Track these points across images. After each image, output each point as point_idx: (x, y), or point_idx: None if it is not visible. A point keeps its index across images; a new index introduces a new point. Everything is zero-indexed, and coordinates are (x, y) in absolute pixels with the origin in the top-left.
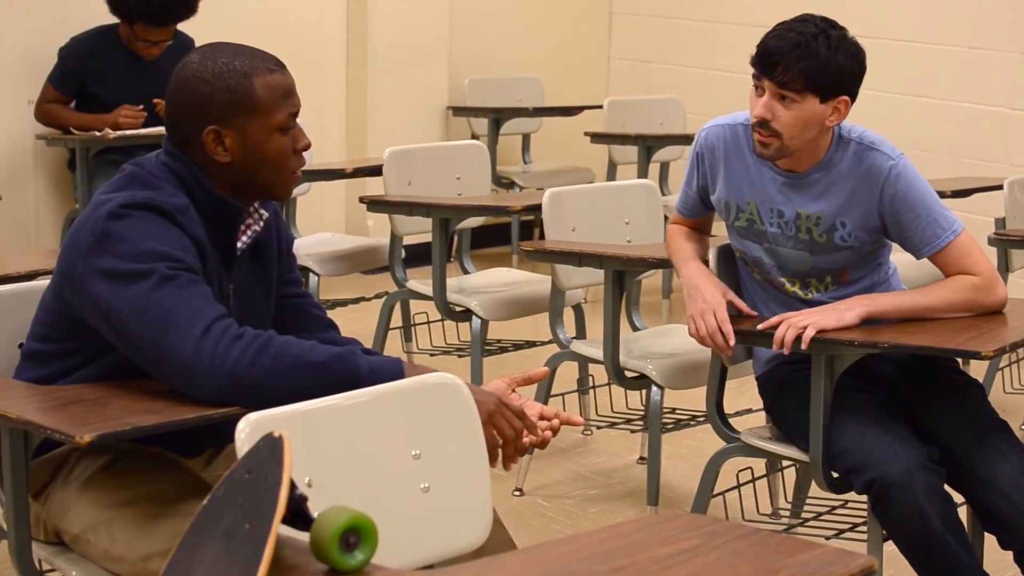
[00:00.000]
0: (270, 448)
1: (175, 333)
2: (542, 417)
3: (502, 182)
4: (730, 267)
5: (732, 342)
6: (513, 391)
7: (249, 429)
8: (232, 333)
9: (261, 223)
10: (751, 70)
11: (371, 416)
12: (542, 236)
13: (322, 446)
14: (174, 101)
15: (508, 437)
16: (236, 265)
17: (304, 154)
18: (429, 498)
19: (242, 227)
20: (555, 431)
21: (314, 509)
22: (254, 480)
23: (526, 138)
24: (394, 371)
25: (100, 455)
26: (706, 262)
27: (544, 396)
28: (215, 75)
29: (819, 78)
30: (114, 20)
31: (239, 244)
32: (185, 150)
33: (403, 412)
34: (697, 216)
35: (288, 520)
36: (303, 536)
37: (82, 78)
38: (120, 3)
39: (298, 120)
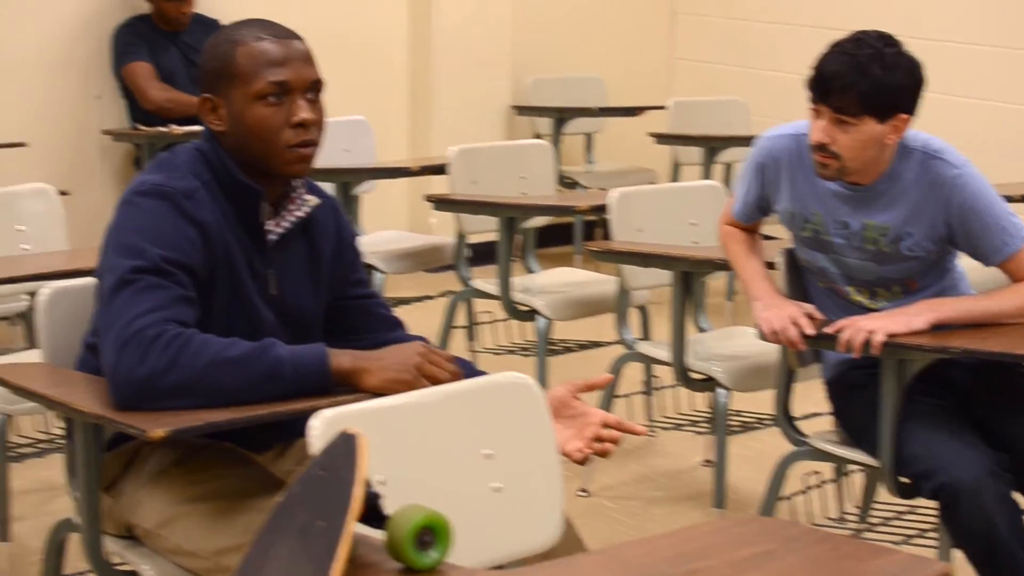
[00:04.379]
0: (345, 446)
1: (107, 338)
2: (605, 424)
3: (565, 182)
4: (797, 272)
5: (809, 332)
6: (576, 397)
7: (322, 426)
8: (149, 336)
9: (304, 210)
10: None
11: (443, 415)
12: (605, 236)
13: (395, 444)
14: None
15: (444, 378)
16: (275, 250)
17: (366, 151)
18: (500, 498)
19: (283, 212)
20: (616, 441)
21: (387, 507)
22: (329, 478)
23: (589, 138)
24: (316, 355)
25: (172, 450)
26: (769, 265)
27: (608, 398)
28: (212, 45)
29: (875, 100)
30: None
31: (279, 229)
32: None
33: (475, 411)
34: (752, 222)
35: (363, 518)
36: (378, 534)
37: (147, 46)
38: None
39: (364, 116)
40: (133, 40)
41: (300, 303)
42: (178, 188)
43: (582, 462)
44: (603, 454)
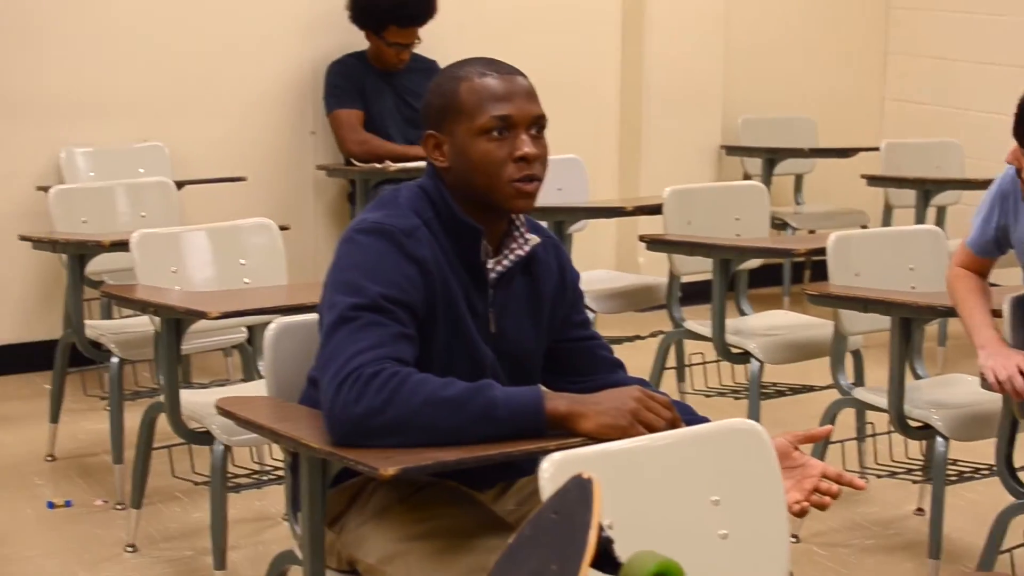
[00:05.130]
0: (579, 490)
1: (326, 375)
2: (824, 476)
3: (775, 223)
4: None
5: None
6: (796, 449)
7: (553, 469)
8: (366, 374)
9: (525, 248)
10: None
11: (672, 460)
12: (813, 278)
13: (623, 488)
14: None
15: (661, 426)
16: (495, 289)
17: (579, 190)
18: (727, 545)
19: (504, 250)
20: (835, 495)
21: (618, 553)
22: (562, 521)
23: (799, 179)
24: (531, 398)
25: (397, 487)
26: (995, 312)
27: (823, 444)
28: (436, 83)
29: None
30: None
31: (500, 267)
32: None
33: (703, 457)
34: (987, 255)
35: (595, 563)
36: None
37: (360, 90)
38: (369, 9)
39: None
40: (343, 83)
41: (520, 342)
42: (398, 226)
43: (800, 514)
44: (821, 507)
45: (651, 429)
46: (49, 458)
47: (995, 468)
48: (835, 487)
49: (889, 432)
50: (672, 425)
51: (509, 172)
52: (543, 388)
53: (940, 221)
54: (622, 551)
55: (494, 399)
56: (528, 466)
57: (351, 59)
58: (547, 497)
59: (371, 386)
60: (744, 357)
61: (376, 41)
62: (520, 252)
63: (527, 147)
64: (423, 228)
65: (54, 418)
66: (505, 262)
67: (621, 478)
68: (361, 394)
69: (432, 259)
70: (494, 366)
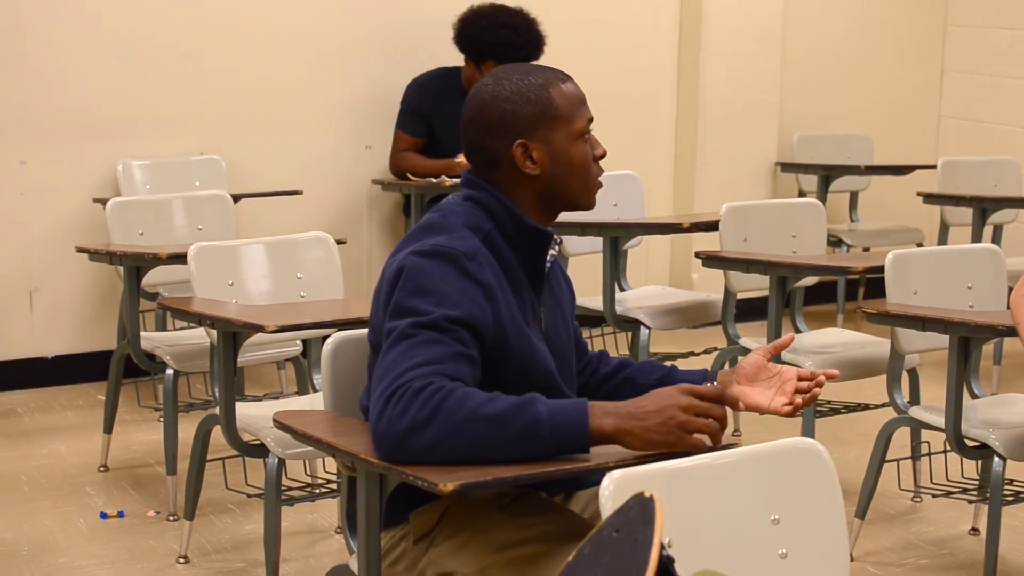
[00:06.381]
0: (641, 508)
1: (377, 389)
2: (800, 378)
3: (829, 240)
4: None
5: None
6: (768, 360)
7: (613, 487)
8: (414, 388)
9: (556, 247)
10: None
11: (732, 478)
12: (867, 295)
13: (683, 506)
14: (476, 125)
15: (713, 429)
16: (544, 288)
17: (635, 206)
18: (787, 565)
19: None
20: (820, 385)
21: (679, 571)
22: (622, 540)
23: (854, 196)
24: (576, 415)
25: (495, 498)
26: None
27: (878, 463)
28: (513, 91)
29: None
30: (454, 64)
31: (545, 267)
32: (491, 175)
33: (763, 476)
34: None
35: None
36: None
37: (427, 116)
38: (474, 40)
39: (631, 170)
40: (414, 108)
41: (561, 336)
42: (460, 249)
43: (792, 414)
44: (810, 401)
45: (698, 447)
46: (102, 468)
47: None
48: (821, 380)
49: (944, 451)
50: (723, 428)
51: (595, 172)
52: (590, 404)
53: (997, 239)
54: (682, 570)
55: (537, 416)
56: (590, 478)
57: (439, 77)
58: (607, 514)
59: (416, 400)
60: None
61: (472, 69)
62: (553, 252)
63: (601, 147)
64: (483, 248)
65: (107, 428)
66: (547, 261)
67: (680, 496)
68: (406, 409)
69: (495, 279)
70: (552, 366)
